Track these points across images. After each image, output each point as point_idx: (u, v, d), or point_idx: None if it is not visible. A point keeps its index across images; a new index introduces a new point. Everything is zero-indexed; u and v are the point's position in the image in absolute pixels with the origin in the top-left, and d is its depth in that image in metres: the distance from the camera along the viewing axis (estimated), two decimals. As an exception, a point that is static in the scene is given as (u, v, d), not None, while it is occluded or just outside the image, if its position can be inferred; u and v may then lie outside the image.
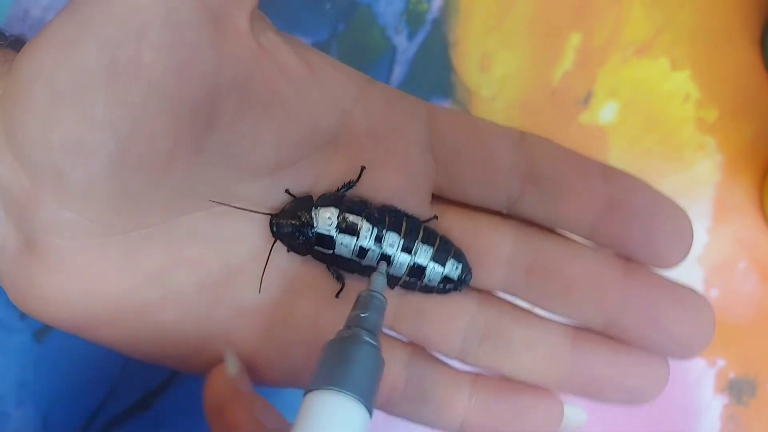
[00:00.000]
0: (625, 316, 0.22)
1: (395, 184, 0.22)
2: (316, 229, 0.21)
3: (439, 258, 0.22)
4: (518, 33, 0.35)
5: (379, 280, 0.21)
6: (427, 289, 0.22)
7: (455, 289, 0.22)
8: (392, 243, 0.22)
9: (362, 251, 0.22)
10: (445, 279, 0.22)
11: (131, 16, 0.18)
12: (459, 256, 0.22)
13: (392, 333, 0.23)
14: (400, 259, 0.22)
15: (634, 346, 0.22)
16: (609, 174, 0.22)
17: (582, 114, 0.35)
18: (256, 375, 0.22)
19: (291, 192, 0.22)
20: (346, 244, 0.22)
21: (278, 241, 0.22)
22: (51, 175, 0.19)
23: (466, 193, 0.23)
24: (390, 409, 0.23)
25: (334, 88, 0.22)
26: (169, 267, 0.21)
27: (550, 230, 0.23)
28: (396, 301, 0.23)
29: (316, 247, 0.22)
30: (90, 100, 0.18)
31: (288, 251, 0.22)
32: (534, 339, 0.22)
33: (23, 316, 0.33)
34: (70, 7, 0.18)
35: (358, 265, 0.22)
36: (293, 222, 0.21)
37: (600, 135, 0.35)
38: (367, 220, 0.22)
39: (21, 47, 0.22)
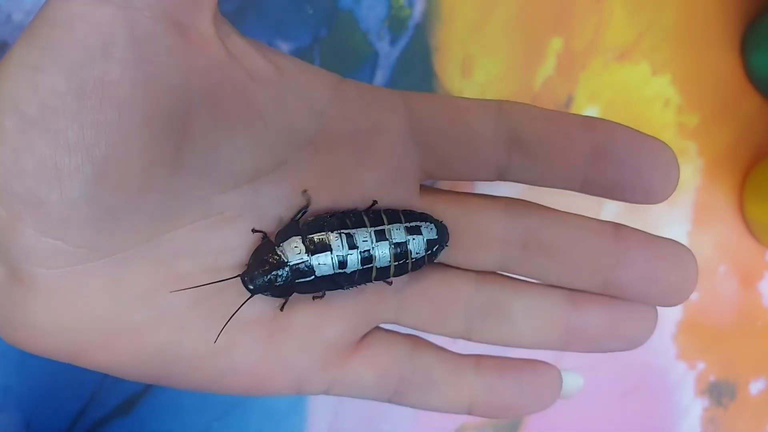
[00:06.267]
0: (620, 275, 0.23)
1: (381, 179, 0.22)
2: (290, 263, 0.21)
3: (413, 229, 0.22)
4: (500, 38, 0.35)
5: None
6: (419, 264, 0.23)
7: (440, 247, 0.23)
8: (365, 238, 0.22)
9: (342, 261, 0.22)
10: (428, 243, 0.22)
11: (94, 35, 0.17)
12: (426, 218, 0.22)
13: (395, 327, 0.24)
14: (381, 249, 0.22)
15: (625, 300, 0.23)
16: (589, 124, 0.22)
17: (563, 119, 0.35)
18: (261, 386, 0.23)
19: (256, 229, 0.22)
20: (323, 262, 0.21)
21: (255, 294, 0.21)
22: (28, 203, 0.18)
23: (456, 171, 0.23)
24: (400, 401, 0.24)
25: (306, 89, 0.22)
26: (159, 285, 0.21)
27: (539, 205, 0.23)
28: (396, 296, 0.23)
29: (296, 281, 0.21)
30: (61, 124, 0.18)
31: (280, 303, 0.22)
32: (533, 306, 0.23)
33: (6, 320, 0.33)
34: (31, 30, 0.18)
35: (343, 276, 0.22)
36: (265, 269, 0.21)
37: (581, 140, 0.35)
38: (332, 231, 0.21)
39: None
